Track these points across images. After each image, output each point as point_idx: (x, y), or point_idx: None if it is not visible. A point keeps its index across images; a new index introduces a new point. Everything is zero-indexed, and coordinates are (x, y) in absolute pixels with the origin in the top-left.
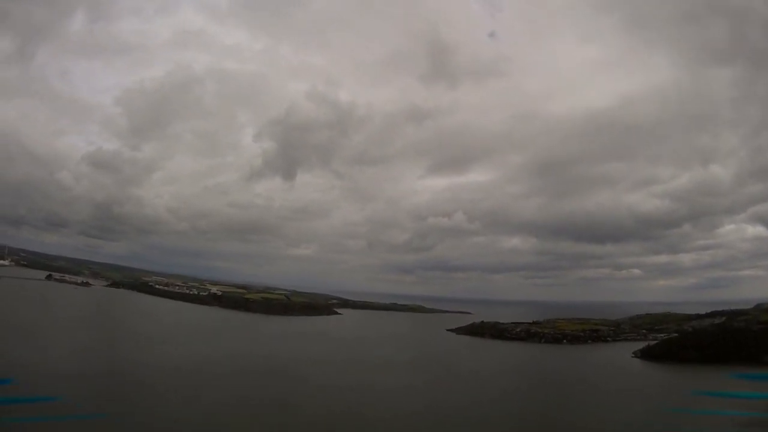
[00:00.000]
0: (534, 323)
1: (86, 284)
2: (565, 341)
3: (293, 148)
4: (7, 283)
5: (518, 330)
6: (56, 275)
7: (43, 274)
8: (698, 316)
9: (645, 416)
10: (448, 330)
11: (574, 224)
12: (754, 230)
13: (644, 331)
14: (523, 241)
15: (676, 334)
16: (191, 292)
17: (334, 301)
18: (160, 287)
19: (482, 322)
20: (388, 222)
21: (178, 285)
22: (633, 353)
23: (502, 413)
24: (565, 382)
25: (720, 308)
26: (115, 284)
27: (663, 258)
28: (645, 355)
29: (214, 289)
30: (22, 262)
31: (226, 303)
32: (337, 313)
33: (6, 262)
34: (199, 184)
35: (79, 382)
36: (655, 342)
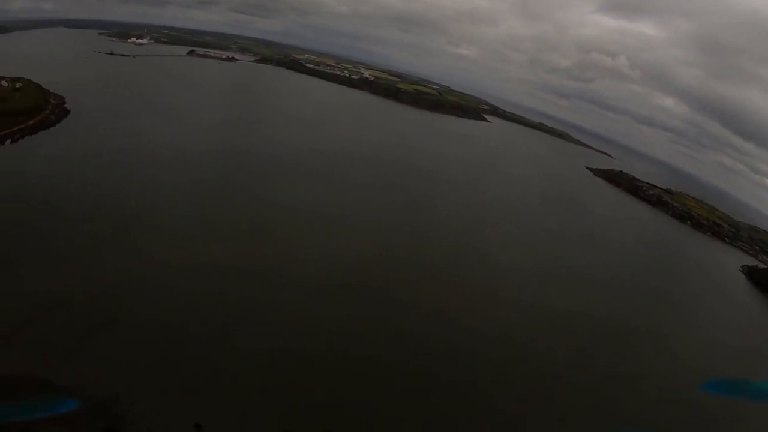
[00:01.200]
0: (667, 191)
1: (232, 59)
2: (689, 222)
3: None
4: (143, 61)
5: (651, 193)
6: (199, 50)
7: (185, 50)
8: None
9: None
10: (587, 168)
11: (725, 109)
12: None
13: (758, 247)
14: (677, 104)
15: None
16: (342, 74)
17: (485, 106)
18: (311, 66)
19: (621, 171)
20: (553, 45)
21: (329, 66)
22: (741, 267)
23: (600, 267)
24: (670, 262)
25: None
26: (263, 60)
27: None
28: (751, 274)
29: (366, 74)
30: (162, 40)
31: (377, 89)
32: (485, 119)
33: (144, 41)
34: None
35: (214, 159)
36: (765, 267)
